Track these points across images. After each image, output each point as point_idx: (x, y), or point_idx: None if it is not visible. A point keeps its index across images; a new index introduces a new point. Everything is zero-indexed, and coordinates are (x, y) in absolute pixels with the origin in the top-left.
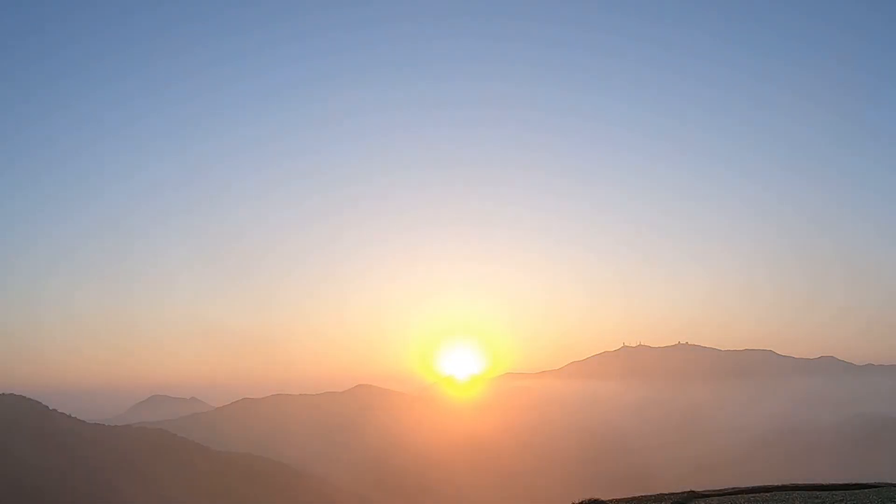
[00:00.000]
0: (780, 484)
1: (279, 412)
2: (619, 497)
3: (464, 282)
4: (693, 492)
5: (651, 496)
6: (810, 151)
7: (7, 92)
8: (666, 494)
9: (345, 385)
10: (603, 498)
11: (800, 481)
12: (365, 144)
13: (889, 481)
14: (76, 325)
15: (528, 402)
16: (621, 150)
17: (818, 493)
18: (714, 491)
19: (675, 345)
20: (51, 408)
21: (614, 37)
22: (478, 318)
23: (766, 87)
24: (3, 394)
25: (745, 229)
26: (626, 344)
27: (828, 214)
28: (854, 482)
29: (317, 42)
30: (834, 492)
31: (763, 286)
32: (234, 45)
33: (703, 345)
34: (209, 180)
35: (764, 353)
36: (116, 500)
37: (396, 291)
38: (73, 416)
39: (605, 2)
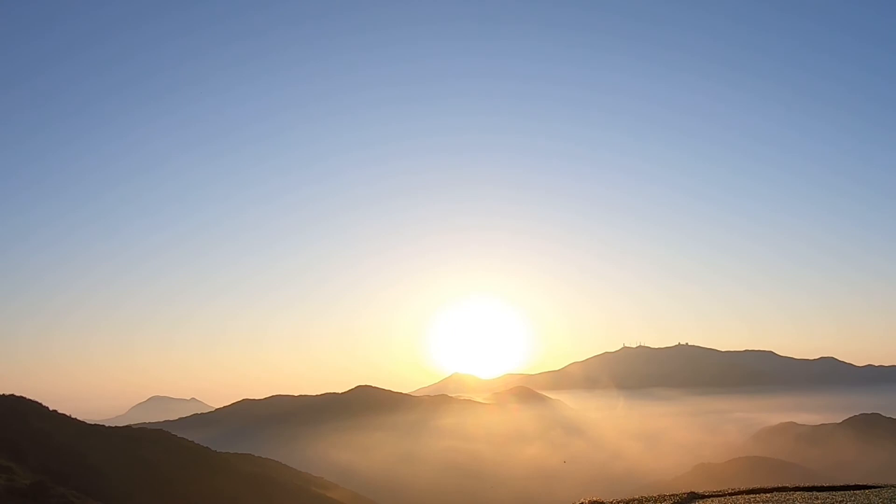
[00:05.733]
0: (780, 485)
1: (279, 413)
2: (620, 499)
3: (464, 283)
4: (693, 492)
5: (651, 497)
6: (810, 153)
7: (11, 97)
8: (667, 495)
9: (345, 386)
10: (605, 499)
11: (800, 483)
12: (367, 148)
13: (890, 482)
14: (76, 326)
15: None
16: (621, 151)
17: (818, 493)
18: (714, 492)
19: (676, 346)
20: (51, 408)
21: (622, 39)
22: (478, 319)
23: (768, 90)
24: (3, 394)
25: (745, 230)
26: (626, 345)
27: (828, 215)
28: (855, 483)
29: (320, 42)
30: (834, 493)
31: (763, 287)
32: (241, 51)
33: (703, 345)
34: (212, 183)
35: (764, 354)
36: (116, 502)
37: (396, 294)
38: (73, 416)
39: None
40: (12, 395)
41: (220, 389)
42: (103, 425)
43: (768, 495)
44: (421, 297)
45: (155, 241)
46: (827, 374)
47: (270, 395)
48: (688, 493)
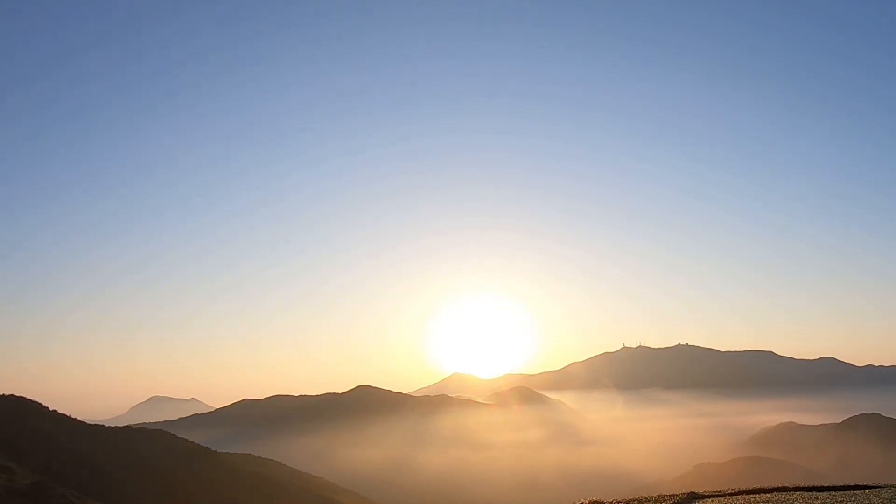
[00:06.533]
0: (780, 485)
1: (279, 413)
2: (620, 499)
3: (465, 284)
4: (693, 493)
5: (651, 497)
6: (810, 153)
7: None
8: (667, 495)
9: (345, 386)
10: (605, 500)
11: (800, 482)
12: (367, 149)
13: (890, 482)
14: (77, 327)
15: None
16: (622, 151)
17: (818, 493)
18: (714, 492)
19: (676, 346)
20: (51, 408)
21: (623, 40)
22: (478, 319)
23: (769, 90)
24: (3, 394)
25: (746, 231)
26: (626, 345)
27: (828, 215)
28: (855, 483)
29: (323, 45)
30: (834, 492)
31: (763, 287)
32: (239, 52)
33: (703, 346)
34: (213, 184)
35: (764, 355)
36: (116, 502)
37: (397, 294)
38: (73, 416)
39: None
40: (12, 395)
41: (220, 389)
42: (103, 425)
43: (768, 495)
44: (421, 298)
45: (155, 242)
46: (827, 374)
47: (270, 395)
48: (688, 494)
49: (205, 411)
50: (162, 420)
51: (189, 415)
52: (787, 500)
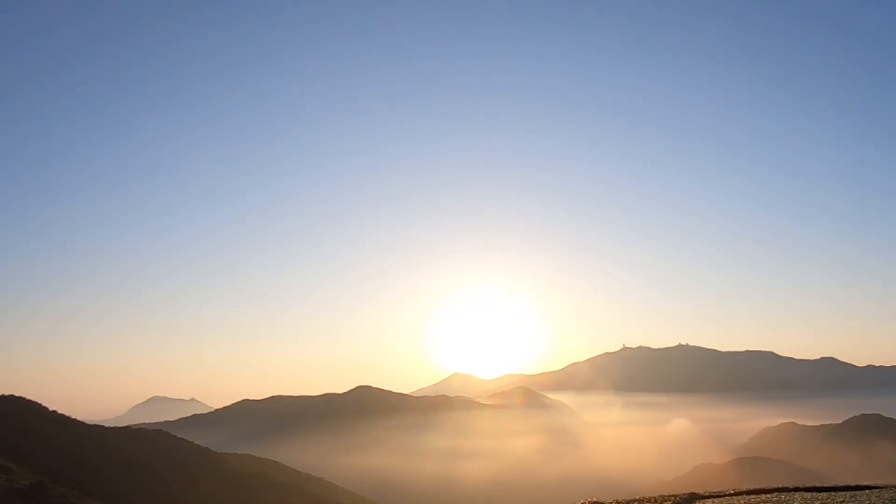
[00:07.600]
0: (780, 486)
1: (279, 413)
2: (620, 499)
3: (465, 284)
4: (694, 493)
5: (651, 497)
6: (810, 153)
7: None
8: (667, 495)
9: (345, 386)
10: (605, 500)
11: (800, 483)
12: (368, 149)
13: (891, 483)
14: (77, 327)
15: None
16: (622, 151)
17: (818, 493)
18: (714, 492)
19: (676, 346)
20: (51, 409)
21: (627, 40)
22: (479, 320)
23: (768, 90)
24: (3, 394)
25: (747, 231)
26: (626, 345)
27: (828, 216)
28: (855, 483)
29: (327, 46)
30: (834, 493)
31: (763, 287)
32: (238, 54)
33: (703, 346)
34: (213, 185)
35: (765, 355)
36: (115, 502)
37: (397, 295)
38: (72, 416)
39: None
40: (12, 396)
41: (220, 389)
42: (103, 425)
43: (768, 495)
44: (421, 297)
45: (156, 242)
46: (827, 374)
47: (270, 395)
48: (688, 494)
49: (205, 411)
50: (162, 420)
51: (189, 415)
52: (788, 500)
